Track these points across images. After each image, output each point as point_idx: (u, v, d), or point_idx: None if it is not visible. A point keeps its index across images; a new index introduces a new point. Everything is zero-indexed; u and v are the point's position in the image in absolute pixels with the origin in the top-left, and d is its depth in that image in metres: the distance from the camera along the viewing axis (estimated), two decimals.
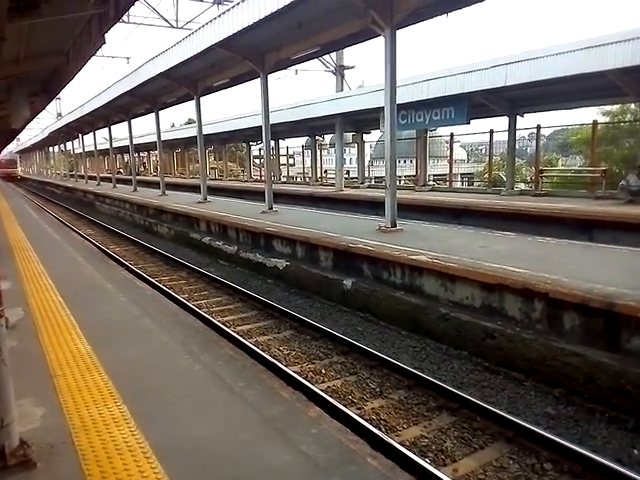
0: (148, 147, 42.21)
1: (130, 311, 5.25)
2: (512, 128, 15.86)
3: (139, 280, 7.64)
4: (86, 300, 5.66)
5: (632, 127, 18.58)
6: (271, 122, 13.06)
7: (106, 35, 7.56)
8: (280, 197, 17.01)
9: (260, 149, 32.49)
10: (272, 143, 25.22)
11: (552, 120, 17.87)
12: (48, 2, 5.26)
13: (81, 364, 3.77)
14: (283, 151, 32.49)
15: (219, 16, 10.90)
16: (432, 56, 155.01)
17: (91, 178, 36.77)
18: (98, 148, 33.62)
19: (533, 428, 4.05)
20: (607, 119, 19.53)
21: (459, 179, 27.78)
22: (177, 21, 19.46)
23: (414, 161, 21.73)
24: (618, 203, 12.05)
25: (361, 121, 20.95)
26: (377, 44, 9.32)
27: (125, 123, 23.98)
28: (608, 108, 20.05)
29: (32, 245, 9.50)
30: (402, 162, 32.75)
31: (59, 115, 37.71)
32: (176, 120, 63.98)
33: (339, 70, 23.33)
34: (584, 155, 22.34)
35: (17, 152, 61.74)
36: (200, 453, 2.61)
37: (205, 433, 2.80)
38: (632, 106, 19.54)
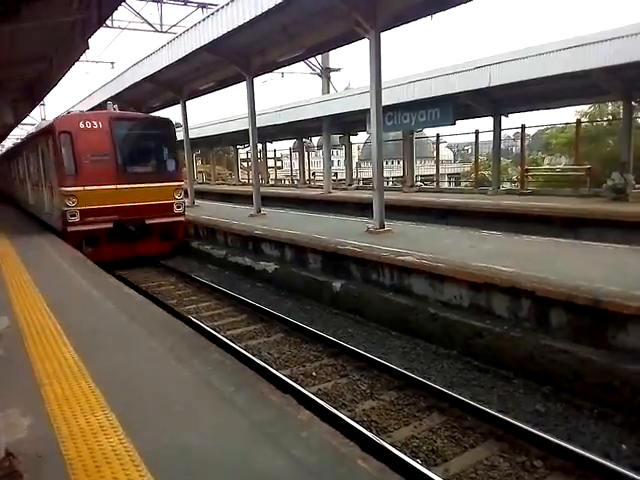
0: None
1: (118, 318, 5.19)
2: (497, 128, 16.03)
3: (127, 287, 7.56)
4: (73, 307, 5.59)
5: (612, 127, 18.87)
6: (258, 125, 13.06)
7: (90, 40, 7.55)
8: (268, 200, 16.99)
9: (248, 152, 32.47)
10: (259, 146, 25.17)
11: (537, 120, 18.17)
12: (29, 7, 5.21)
13: (68, 373, 3.72)
14: (271, 154, 32.50)
15: (204, 20, 10.89)
16: (418, 57, 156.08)
17: None
18: None
19: (523, 426, 4.07)
20: (584, 119, 19.80)
21: (446, 179, 28.00)
22: (162, 25, 19.29)
23: (401, 162, 21.85)
24: (603, 201, 12.20)
25: (348, 123, 20.98)
26: (363, 46, 9.36)
27: None
28: (587, 109, 20.40)
29: (17, 253, 9.37)
30: (389, 163, 33.00)
31: (43, 121, 37.23)
32: None
33: (325, 72, 23.33)
34: (568, 155, 22.64)
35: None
36: (189, 460, 2.58)
37: (194, 440, 2.78)
38: (610, 107, 19.89)
